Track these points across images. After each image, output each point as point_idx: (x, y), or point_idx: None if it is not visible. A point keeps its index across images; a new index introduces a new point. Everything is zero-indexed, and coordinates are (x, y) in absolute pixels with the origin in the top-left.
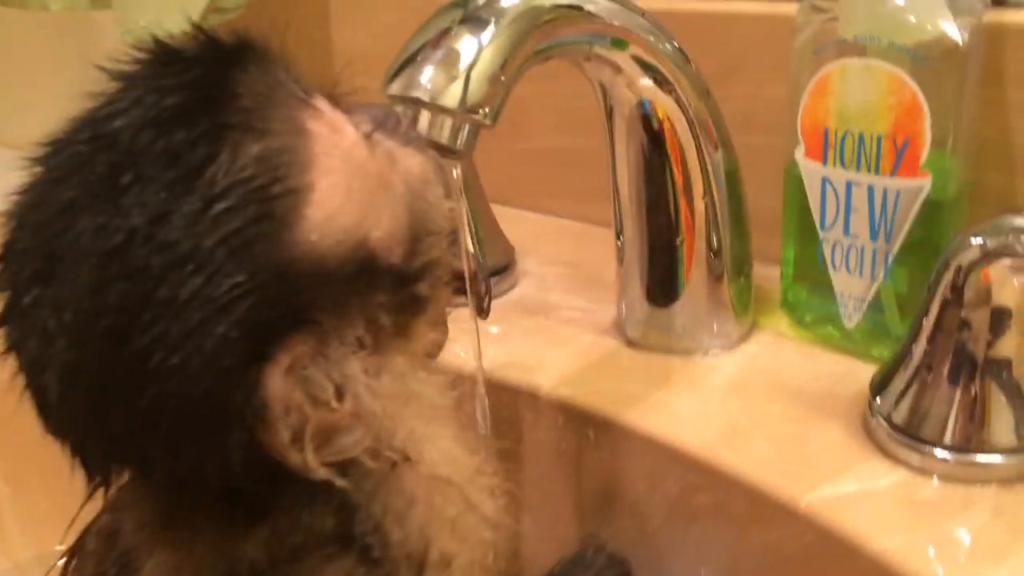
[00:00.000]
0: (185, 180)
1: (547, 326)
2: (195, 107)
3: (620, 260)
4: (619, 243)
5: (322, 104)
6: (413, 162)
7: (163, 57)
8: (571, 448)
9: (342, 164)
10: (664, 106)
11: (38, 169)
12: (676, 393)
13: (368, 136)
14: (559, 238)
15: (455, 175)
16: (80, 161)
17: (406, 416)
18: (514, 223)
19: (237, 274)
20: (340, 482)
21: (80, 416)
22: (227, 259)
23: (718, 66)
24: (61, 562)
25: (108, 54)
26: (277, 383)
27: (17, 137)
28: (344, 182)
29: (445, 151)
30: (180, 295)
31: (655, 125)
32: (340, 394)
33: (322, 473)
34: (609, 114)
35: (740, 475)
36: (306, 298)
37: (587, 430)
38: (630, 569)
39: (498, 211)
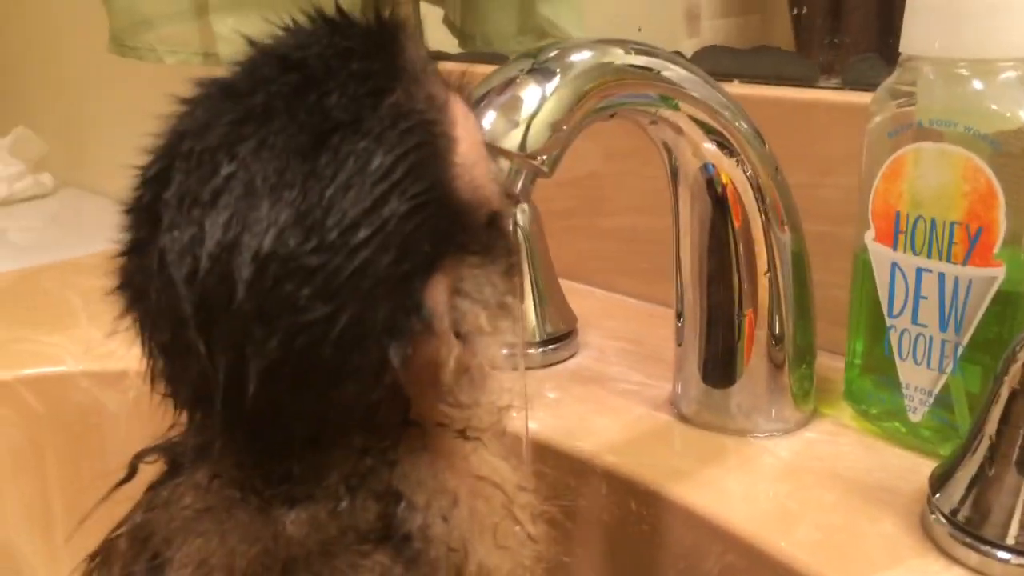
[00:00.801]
0: (373, 96)
1: (601, 396)
2: (373, 49)
3: (679, 341)
4: (679, 324)
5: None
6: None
7: (334, 16)
8: (612, 518)
9: (474, 140)
10: (730, 173)
11: (209, 89)
12: (725, 471)
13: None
14: (624, 315)
15: (522, 211)
16: (267, 78)
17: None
18: (581, 298)
19: (415, 186)
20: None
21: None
22: (407, 172)
23: (787, 152)
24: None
25: None
26: (442, 297)
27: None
28: (476, 151)
29: (528, 165)
30: (364, 199)
31: (719, 190)
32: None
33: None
34: (673, 176)
35: (785, 559)
36: (464, 225)
37: (630, 500)
38: None
39: (566, 286)
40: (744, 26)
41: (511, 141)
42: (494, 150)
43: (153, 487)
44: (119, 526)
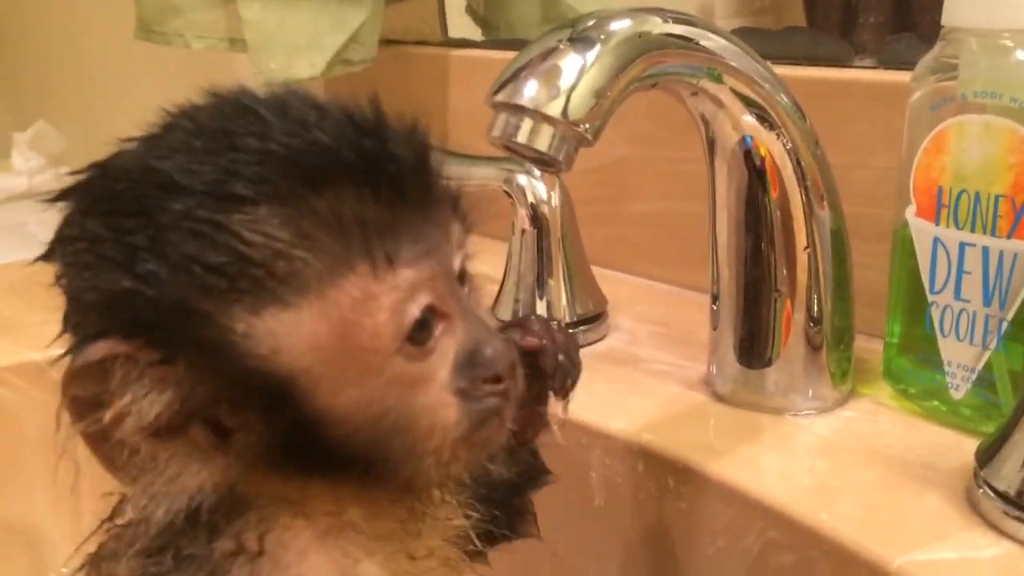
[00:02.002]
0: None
1: (633, 377)
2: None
3: (714, 325)
4: (714, 307)
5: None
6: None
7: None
8: (649, 496)
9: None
10: (769, 147)
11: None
12: (763, 449)
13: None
14: (654, 300)
15: (554, 193)
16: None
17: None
18: (610, 284)
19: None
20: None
21: None
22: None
23: (821, 133)
24: None
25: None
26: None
27: None
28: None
29: (544, 162)
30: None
31: (757, 163)
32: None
33: None
34: (710, 149)
35: (827, 533)
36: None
37: (667, 478)
38: None
39: (596, 272)
40: (758, 24)
41: (554, 108)
42: (537, 116)
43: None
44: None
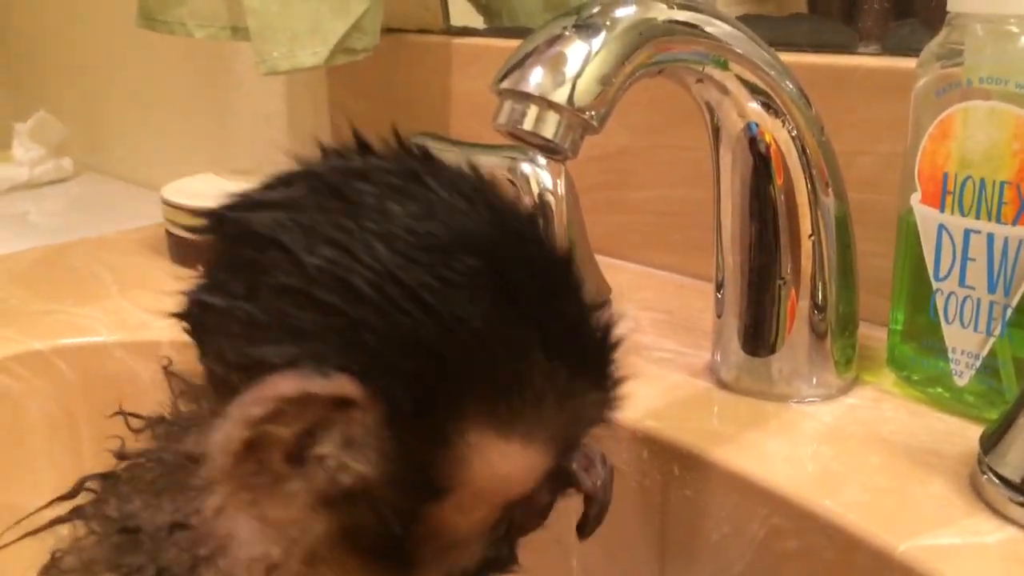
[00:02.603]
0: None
1: (637, 364)
2: None
3: (719, 313)
4: (718, 295)
5: None
6: None
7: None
8: (654, 484)
9: None
10: (774, 133)
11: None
12: (768, 436)
13: None
14: (657, 287)
15: (559, 181)
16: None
17: None
18: (613, 272)
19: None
20: None
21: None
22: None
23: (824, 120)
24: None
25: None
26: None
27: (162, 181)
28: None
29: (550, 149)
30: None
31: (762, 149)
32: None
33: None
34: (715, 137)
35: (832, 519)
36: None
37: (672, 465)
38: None
39: (599, 260)
40: (762, 11)
41: (560, 95)
42: (543, 103)
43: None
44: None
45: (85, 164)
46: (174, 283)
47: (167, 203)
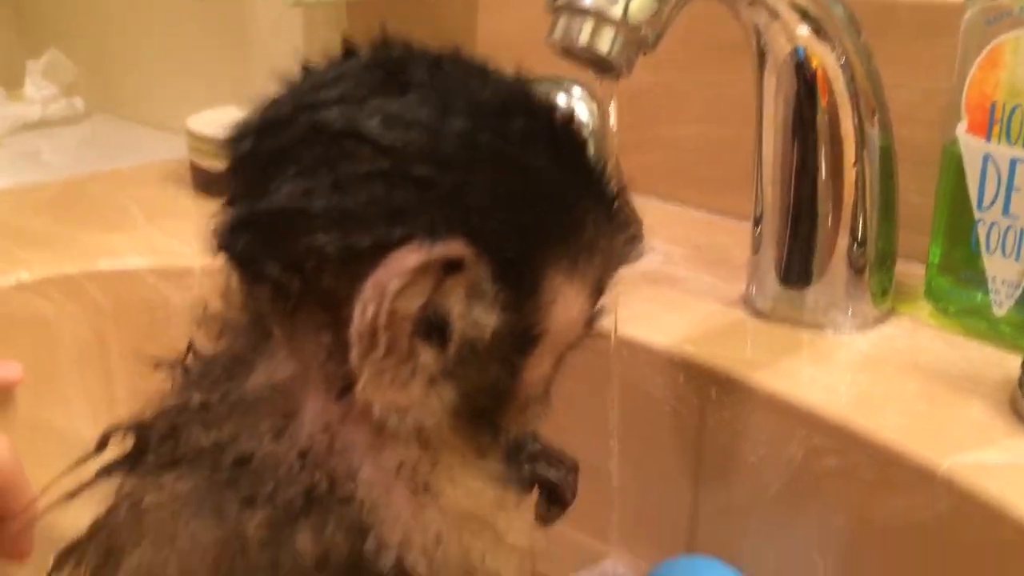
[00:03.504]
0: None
1: (671, 295)
2: None
3: (755, 248)
4: (756, 231)
5: None
6: None
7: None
8: (690, 408)
9: None
10: (822, 59)
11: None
12: (805, 362)
13: None
14: (688, 224)
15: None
16: None
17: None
18: (643, 210)
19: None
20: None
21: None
22: None
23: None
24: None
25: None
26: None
27: (174, 121)
28: None
29: (604, 66)
30: None
31: (808, 74)
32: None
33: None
34: (760, 61)
35: (873, 438)
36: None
37: (709, 389)
38: None
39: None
40: None
41: (616, 10)
42: (599, 18)
43: (111, 470)
44: (88, 527)
45: (96, 105)
46: (201, 214)
47: (192, 134)
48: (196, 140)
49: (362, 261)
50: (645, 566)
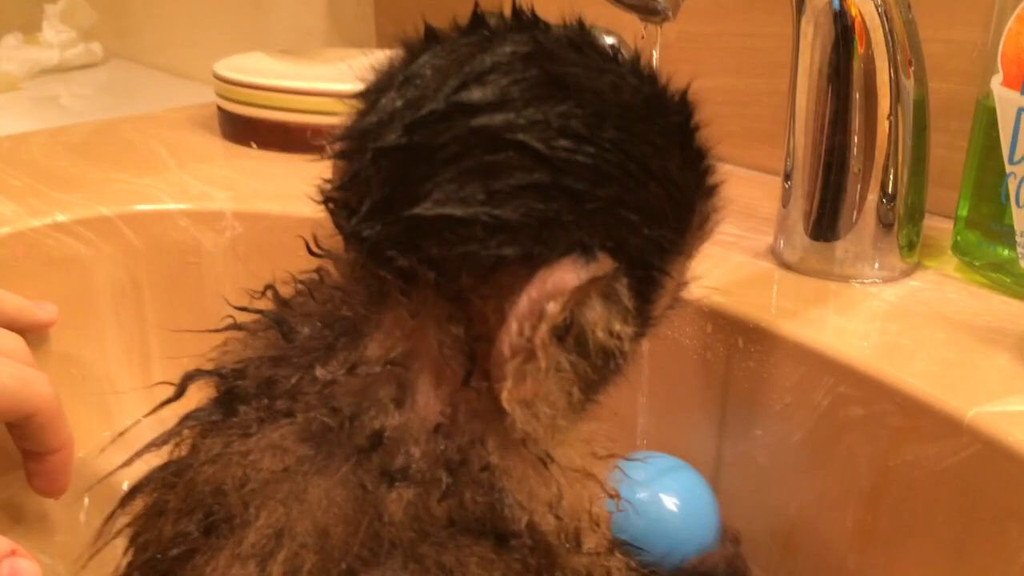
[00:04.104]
0: None
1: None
2: None
3: (784, 202)
4: (786, 185)
5: None
6: None
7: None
8: (717, 357)
9: None
10: (860, 6)
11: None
12: (832, 312)
13: None
14: None
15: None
16: None
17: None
18: None
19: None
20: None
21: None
22: None
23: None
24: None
25: None
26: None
27: (192, 69)
28: None
29: (649, 8)
30: None
31: (847, 21)
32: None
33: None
34: (799, 7)
35: (899, 386)
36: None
37: (736, 338)
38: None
39: None
40: None
41: None
42: None
43: (204, 428)
44: (164, 470)
45: (113, 51)
46: (231, 159)
47: (220, 78)
48: (223, 85)
49: (511, 271)
50: None
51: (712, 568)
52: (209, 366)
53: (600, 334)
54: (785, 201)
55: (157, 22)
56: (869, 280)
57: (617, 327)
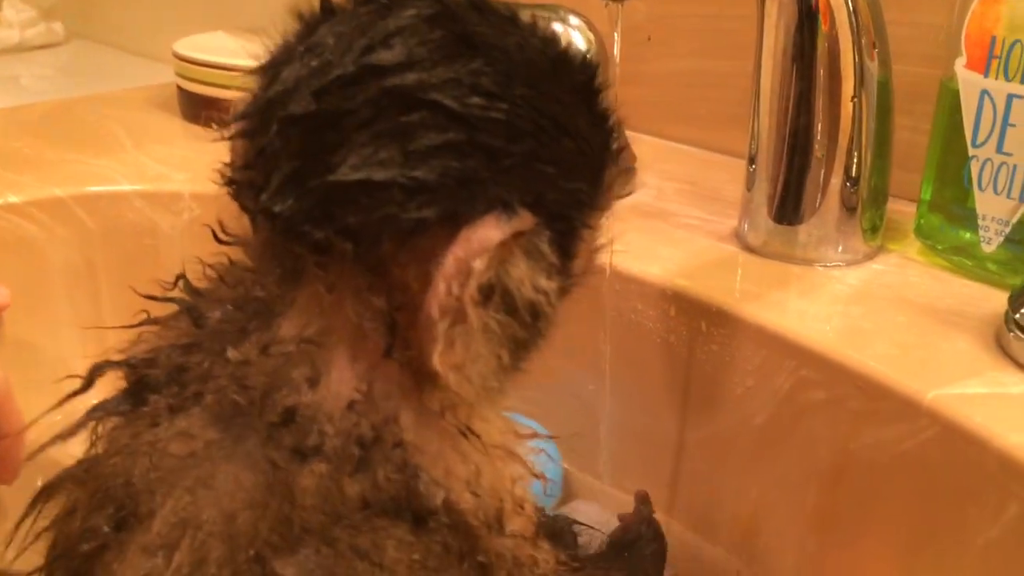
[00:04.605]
0: None
1: (664, 228)
2: None
3: (749, 186)
4: (751, 168)
5: None
6: None
7: None
8: (680, 340)
9: None
10: None
11: None
12: (795, 295)
13: None
14: (680, 160)
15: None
16: None
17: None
18: (634, 144)
19: None
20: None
21: None
22: None
23: None
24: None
25: None
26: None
27: (155, 49)
28: None
29: None
30: None
31: (811, 3)
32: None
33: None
34: None
35: (860, 369)
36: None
37: (699, 321)
38: (666, 546)
39: None
40: None
41: None
42: None
43: (114, 419)
44: (76, 468)
45: (75, 31)
46: (190, 139)
47: (179, 57)
48: (183, 64)
49: (432, 234)
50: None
51: (637, 537)
52: (118, 357)
53: (526, 290)
54: (749, 184)
55: (120, 1)
56: (832, 263)
57: (542, 282)
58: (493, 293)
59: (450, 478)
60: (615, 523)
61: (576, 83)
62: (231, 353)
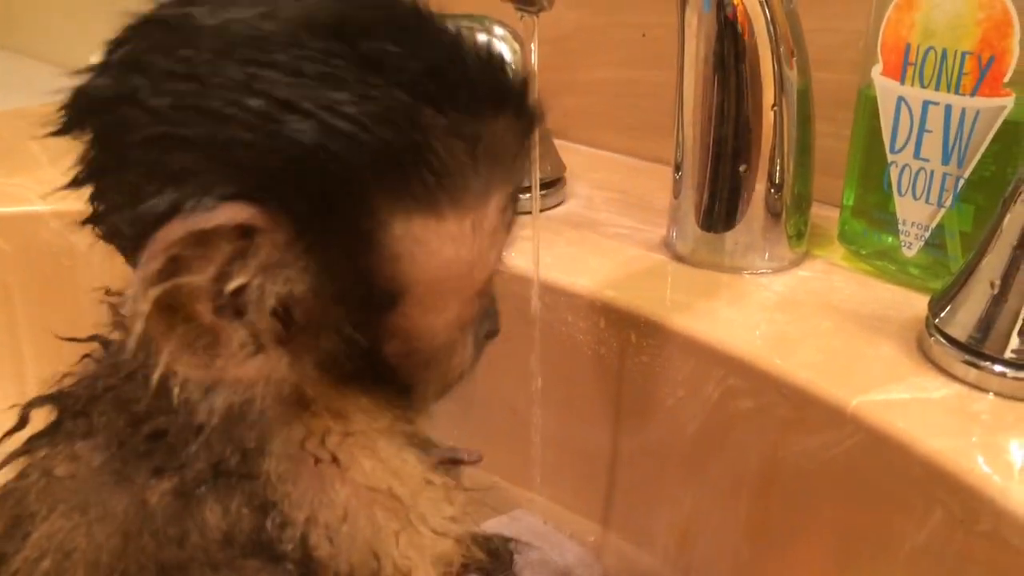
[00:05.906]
0: None
1: (593, 239)
2: None
3: (676, 193)
4: (676, 176)
5: None
6: None
7: None
8: (610, 352)
9: None
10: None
11: None
12: (723, 304)
13: None
14: (610, 169)
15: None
16: None
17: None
18: (565, 154)
19: None
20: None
21: None
22: None
23: None
24: None
25: None
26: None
27: (79, 61)
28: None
29: (526, 1)
30: None
31: (728, 12)
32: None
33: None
34: (682, 3)
35: (786, 378)
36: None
37: (629, 333)
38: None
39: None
40: None
41: None
42: None
43: (32, 444)
44: None
45: None
46: None
47: None
48: None
49: (144, 234)
50: (560, 511)
51: None
52: (50, 391)
53: (261, 293)
54: (676, 192)
55: (42, 12)
56: (759, 271)
57: (281, 282)
58: (221, 296)
59: (312, 520)
60: (553, 535)
61: (337, 43)
62: (122, 382)
